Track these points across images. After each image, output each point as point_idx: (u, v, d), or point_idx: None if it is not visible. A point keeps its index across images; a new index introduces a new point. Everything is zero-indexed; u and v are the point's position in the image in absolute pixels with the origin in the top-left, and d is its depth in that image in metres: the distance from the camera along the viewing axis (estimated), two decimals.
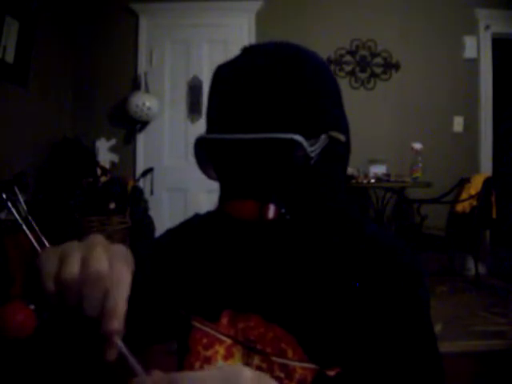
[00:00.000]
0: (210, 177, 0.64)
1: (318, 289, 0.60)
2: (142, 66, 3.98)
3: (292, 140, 0.54)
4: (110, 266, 0.40)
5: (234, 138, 0.56)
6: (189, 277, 0.68)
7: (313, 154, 0.56)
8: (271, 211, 0.55)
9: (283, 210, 0.56)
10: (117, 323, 0.38)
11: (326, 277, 0.60)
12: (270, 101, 0.55)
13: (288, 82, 0.56)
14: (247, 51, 0.61)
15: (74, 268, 0.39)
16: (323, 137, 0.58)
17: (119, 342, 0.39)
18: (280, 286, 0.61)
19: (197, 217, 0.76)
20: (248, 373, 0.37)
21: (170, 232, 0.75)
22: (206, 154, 0.61)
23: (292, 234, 0.60)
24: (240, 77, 0.57)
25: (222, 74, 0.61)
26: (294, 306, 0.60)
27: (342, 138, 0.61)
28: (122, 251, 0.44)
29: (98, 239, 0.42)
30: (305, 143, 0.54)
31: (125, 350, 0.39)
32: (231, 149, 0.57)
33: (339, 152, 0.62)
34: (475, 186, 3.55)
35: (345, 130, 0.63)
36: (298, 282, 0.61)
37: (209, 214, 0.74)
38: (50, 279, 0.40)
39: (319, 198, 0.60)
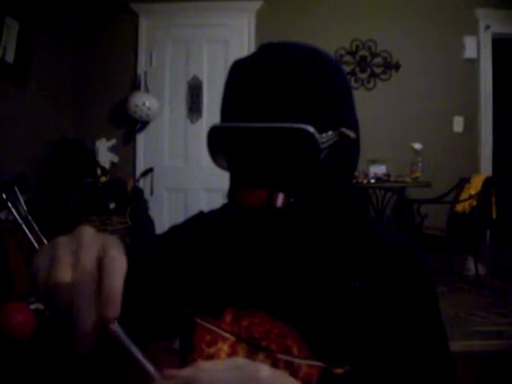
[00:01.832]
0: (220, 166, 0.65)
1: (324, 284, 0.60)
2: (142, 66, 3.98)
3: (304, 131, 0.56)
4: (104, 256, 0.40)
5: (248, 127, 0.58)
6: (193, 274, 0.68)
7: (323, 146, 0.57)
8: (280, 199, 0.56)
9: (292, 200, 0.57)
10: (112, 311, 0.38)
11: (332, 272, 0.60)
12: (286, 93, 0.57)
13: (304, 77, 0.58)
14: (265, 47, 0.63)
15: (62, 274, 0.38)
16: (334, 132, 0.60)
17: (128, 342, 0.39)
18: (285, 280, 0.62)
19: (201, 214, 0.76)
20: (266, 373, 0.37)
21: (173, 229, 0.75)
22: (220, 142, 0.62)
23: (299, 226, 0.60)
24: (258, 69, 0.59)
25: (240, 67, 0.63)
26: (300, 301, 0.60)
27: (352, 134, 0.62)
28: (113, 240, 0.43)
29: (87, 232, 0.41)
30: (316, 135, 0.56)
31: (135, 350, 0.38)
32: (245, 137, 0.59)
33: (349, 148, 0.63)
34: (475, 186, 3.54)
35: (355, 128, 0.65)
36: (304, 276, 0.61)
37: (214, 211, 0.74)
38: (41, 285, 0.39)
39: (327, 190, 0.61)
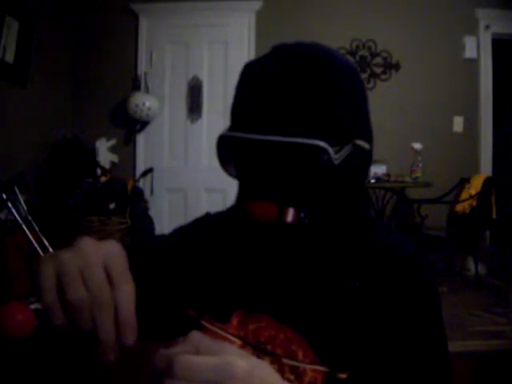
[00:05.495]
0: (229, 174, 0.63)
1: (331, 291, 0.60)
2: (142, 66, 3.98)
3: (318, 147, 0.54)
4: (112, 281, 0.39)
5: (259, 139, 0.55)
6: (200, 276, 0.67)
7: (337, 162, 0.55)
8: (290, 214, 0.55)
9: (302, 215, 0.56)
10: (130, 338, 0.38)
11: (338, 280, 0.60)
12: (299, 105, 0.55)
13: (319, 87, 0.55)
14: (277, 50, 0.60)
15: (79, 291, 0.37)
16: (348, 145, 0.58)
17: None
18: (293, 287, 0.61)
19: (209, 216, 0.75)
20: (242, 363, 0.36)
21: (181, 230, 0.74)
22: (229, 150, 0.61)
23: (308, 239, 0.59)
24: (270, 78, 0.56)
25: (251, 72, 0.60)
26: (306, 307, 0.60)
27: (366, 146, 0.61)
28: (115, 247, 0.42)
29: (88, 244, 0.40)
30: (330, 150, 0.54)
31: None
32: (256, 149, 0.57)
33: (362, 160, 0.61)
34: (475, 186, 3.54)
35: (369, 138, 0.63)
36: (311, 284, 0.61)
37: (221, 213, 0.73)
38: (52, 304, 0.38)
39: (338, 205, 0.60)
